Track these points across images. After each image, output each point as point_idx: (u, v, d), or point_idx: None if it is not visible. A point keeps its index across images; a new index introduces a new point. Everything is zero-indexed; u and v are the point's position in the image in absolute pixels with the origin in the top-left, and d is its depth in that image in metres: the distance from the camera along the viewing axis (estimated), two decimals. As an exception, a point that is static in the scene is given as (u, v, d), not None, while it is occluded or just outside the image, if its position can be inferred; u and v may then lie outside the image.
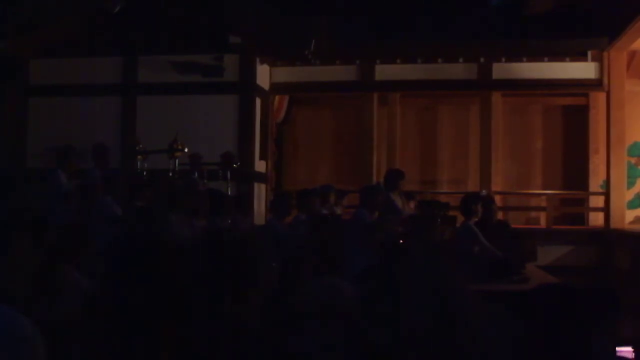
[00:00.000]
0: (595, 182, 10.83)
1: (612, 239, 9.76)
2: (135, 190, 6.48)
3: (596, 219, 10.57)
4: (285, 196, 7.24)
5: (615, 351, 2.73)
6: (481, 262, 6.08)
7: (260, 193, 10.13)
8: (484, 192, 9.50)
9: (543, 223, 10.58)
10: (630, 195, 10.57)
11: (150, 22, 9.26)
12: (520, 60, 10.31)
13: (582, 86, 10.42)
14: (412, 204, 8.07)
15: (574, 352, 2.04)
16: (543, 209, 10.71)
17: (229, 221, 6.66)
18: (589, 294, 2.70)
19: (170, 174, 7.89)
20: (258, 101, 10.05)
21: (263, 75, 10.37)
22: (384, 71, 10.62)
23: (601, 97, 10.43)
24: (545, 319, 2.02)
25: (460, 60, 10.44)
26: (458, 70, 10.49)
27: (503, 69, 10.41)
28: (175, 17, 9.23)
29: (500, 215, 8.75)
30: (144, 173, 8.18)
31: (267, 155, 10.43)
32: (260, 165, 10.12)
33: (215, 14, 9.19)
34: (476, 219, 6.50)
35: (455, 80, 10.53)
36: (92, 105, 9.78)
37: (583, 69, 10.20)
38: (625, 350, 3.23)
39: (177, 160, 7.95)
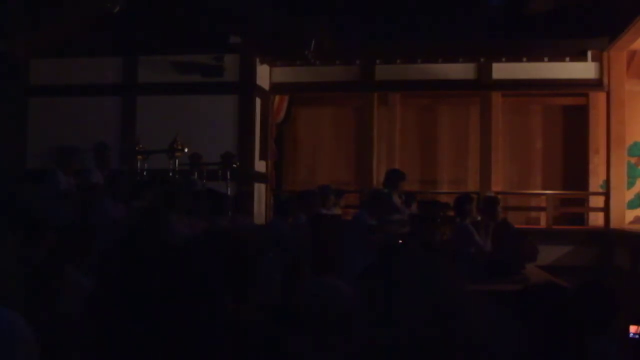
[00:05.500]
0: (595, 182, 10.84)
1: (612, 239, 9.76)
2: (135, 190, 6.48)
3: (596, 219, 10.58)
4: (289, 198, 7.25)
5: (617, 349, 2.73)
6: (479, 262, 6.09)
7: (260, 193, 10.13)
8: (490, 193, 9.50)
9: (543, 223, 10.59)
10: (630, 195, 10.57)
11: (150, 22, 9.25)
12: (520, 60, 10.31)
13: (582, 86, 10.42)
14: (414, 206, 8.06)
15: (571, 350, 2.04)
16: (543, 209, 10.71)
17: (229, 221, 6.67)
18: (584, 292, 2.70)
19: (170, 174, 7.89)
20: (258, 101, 10.05)
21: (263, 75, 10.37)
22: (384, 71, 10.62)
23: (601, 97, 10.43)
24: (540, 319, 2.03)
25: (460, 60, 10.44)
26: (458, 70, 10.49)
27: (503, 69, 10.41)
28: (175, 17, 9.23)
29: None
30: (144, 173, 8.18)
31: (267, 155, 10.43)
32: (260, 165, 10.12)
33: (215, 14, 9.19)
34: (471, 220, 6.52)
35: (455, 80, 10.52)
36: (92, 105, 9.78)
37: (583, 69, 10.20)
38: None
39: (177, 160, 7.95)
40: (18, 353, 1.58)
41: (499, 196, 10.19)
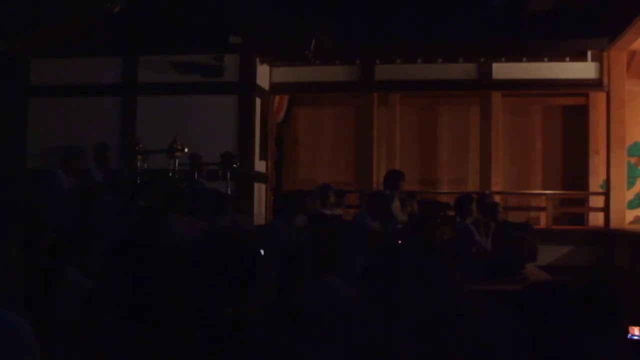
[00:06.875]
0: (595, 182, 10.83)
1: (612, 239, 9.76)
2: (135, 190, 6.48)
3: (596, 219, 10.57)
4: (288, 197, 7.24)
5: (617, 350, 2.72)
6: (480, 262, 6.09)
7: (260, 193, 10.13)
8: (487, 192, 9.50)
9: (543, 223, 10.59)
10: (630, 195, 10.57)
11: (150, 22, 9.25)
12: (520, 60, 10.31)
13: (582, 86, 10.42)
14: (414, 204, 8.09)
15: (572, 349, 2.04)
16: (543, 209, 10.71)
17: (229, 221, 6.67)
18: (585, 291, 2.69)
19: (170, 174, 7.88)
20: (258, 101, 10.04)
21: (263, 75, 10.37)
22: (384, 71, 10.62)
23: (601, 97, 10.43)
24: (540, 317, 2.02)
25: (460, 60, 10.43)
26: (458, 70, 10.49)
27: (503, 69, 10.40)
28: (175, 17, 9.22)
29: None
30: (144, 173, 8.18)
31: (267, 155, 10.43)
32: (260, 165, 10.12)
33: (215, 14, 9.19)
34: (471, 219, 6.53)
35: (455, 80, 10.52)
36: (92, 105, 9.78)
37: (583, 69, 10.19)
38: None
39: (177, 160, 7.95)
40: (22, 355, 1.59)
41: (499, 196, 10.26)
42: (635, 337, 3.22)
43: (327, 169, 12.03)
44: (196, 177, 8.21)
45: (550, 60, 10.22)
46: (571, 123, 11.50)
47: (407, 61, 10.52)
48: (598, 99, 10.68)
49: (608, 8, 9.36)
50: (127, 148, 9.06)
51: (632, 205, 10.58)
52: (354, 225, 6.55)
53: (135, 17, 8.93)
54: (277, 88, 10.76)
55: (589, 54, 10.12)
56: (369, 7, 10.04)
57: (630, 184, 10.57)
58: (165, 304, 2.14)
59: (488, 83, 10.44)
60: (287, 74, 10.72)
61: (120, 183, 6.40)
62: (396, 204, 7.21)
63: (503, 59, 10.36)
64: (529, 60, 10.26)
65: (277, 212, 7.30)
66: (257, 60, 10.03)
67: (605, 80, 10.05)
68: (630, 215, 10.48)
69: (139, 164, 8.30)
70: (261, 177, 10.16)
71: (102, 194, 6.32)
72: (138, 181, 7.68)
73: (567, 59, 10.20)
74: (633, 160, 10.68)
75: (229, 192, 8.17)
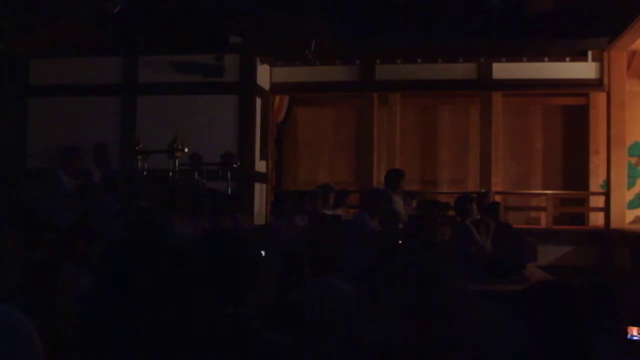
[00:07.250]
0: (596, 182, 10.85)
1: (612, 239, 9.76)
2: (136, 190, 6.48)
3: (596, 219, 10.58)
4: (287, 197, 7.24)
5: (616, 350, 2.72)
6: (480, 262, 6.08)
7: (260, 193, 10.13)
8: (483, 190, 9.51)
9: (543, 223, 10.59)
10: (630, 195, 10.58)
11: (150, 22, 9.25)
12: (520, 60, 10.31)
13: (582, 86, 10.42)
14: (414, 203, 8.11)
15: (574, 351, 2.04)
16: (543, 209, 10.72)
17: (229, 221, 6.66)
18: (585, 291, 2.70)
19: (170, 174, 7.88)
20: (258, 101, 10.04)
21: (263, 75, 10.37)
22: (384, 71, 10.62)
23: (601, 97, 10.44)
24: (543, 318, 2.02)
25: (460, 60, 10.44)
26: (458, 70, 10.49)
27: (503, 69, 10.41)
28: (175, 17, 9.22)
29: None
30: (144, 173, 8.18)
31: (267, 155, 10.43)
32: (260, 165, 10.12)
33: (215, 14, 9.19)
34: (471, 219, 6.53)
35: (455, 80, 10.53)
36: (92, 105, 9.78)
37: (583, 69, 10.20)
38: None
39: (177, 160, 7.95)
40: (22, 350, 1.59)
41: (500, 196, 10.26)
42: (635, 338, 3.23)
43: (327, 169, 12.04)
44: (196, 177, 8.20)
45: (550, 60, 10.23)
46: (571, 123, 11.51)
47: (407, 61, 10.52)
48: (598, 99, 10.69)
49: (608, 8, 9.36)
50: (127, 148, 9.05)
51: (632, 205, 10.59)
52: (354, 225, 6.55)
53: (136, 17, 8.93)
54: (277, 88, 10.76)
55: (589, 54, 10.12)
56: (369, 7, 10.04)
57: (631, 184, 10.58)
58: (165, 304, 2.14)
59: (488, 83, 10.44)
60: (287, 74, 10.73)
61: (120, 183, 6.39)
62: (399, 202, 7.21)
63: (503, 59, 10.37)
64: (529, 60, 10.27)
65: (277, 212, 7.29)
66: (257, 60, 10.03)
67: (605, 80, 10.05)
68: (630, 215, 10.48)
69: (139, 164, 8.30)
70: (261, 177, 10.16)
71: (102, 193, 6.31)
72: (138, 181, 7.67)
73: (567, 59, 10.20)
74: (633, 160, 10.69)
75: (229, 192, 8.17)
